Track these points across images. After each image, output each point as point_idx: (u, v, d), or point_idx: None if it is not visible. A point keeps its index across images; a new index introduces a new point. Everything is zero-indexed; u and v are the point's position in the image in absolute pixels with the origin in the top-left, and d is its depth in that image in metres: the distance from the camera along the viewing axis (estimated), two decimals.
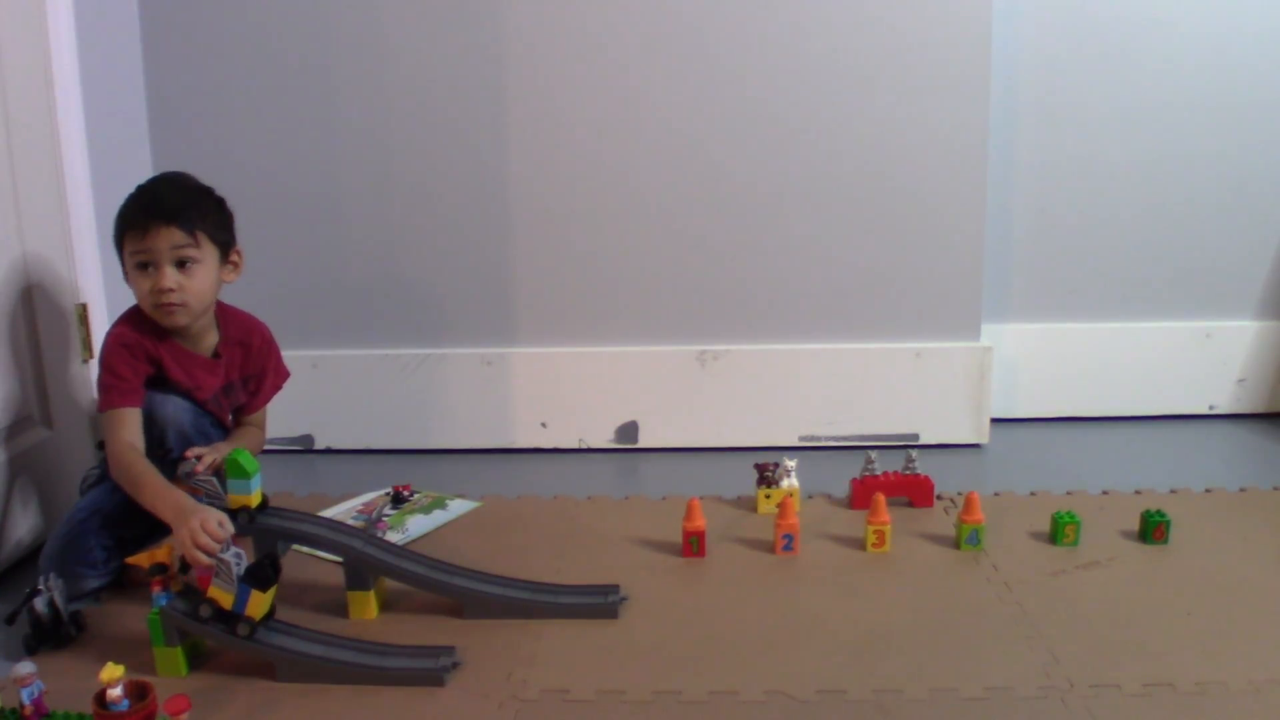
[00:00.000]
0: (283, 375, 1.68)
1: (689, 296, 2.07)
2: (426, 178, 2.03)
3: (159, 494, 1.37)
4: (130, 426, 1.45)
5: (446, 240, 2.05)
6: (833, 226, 2.03)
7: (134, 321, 1.51)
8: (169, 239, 1.44)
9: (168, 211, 1.44)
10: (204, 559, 1.26)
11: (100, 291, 1.79)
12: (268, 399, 1.67)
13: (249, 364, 1.61)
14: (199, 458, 1.46)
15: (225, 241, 1.53)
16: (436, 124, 2.00)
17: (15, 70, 1.60)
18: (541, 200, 2.03)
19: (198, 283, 1.47)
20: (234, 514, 1.37)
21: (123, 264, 1.50)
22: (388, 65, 1.99)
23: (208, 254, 1.49)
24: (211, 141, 2.01)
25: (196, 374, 1.53)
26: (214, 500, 1.38)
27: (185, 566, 1.33)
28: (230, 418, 1.63)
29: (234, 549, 1.30)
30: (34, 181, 1.64)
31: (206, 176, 1.58)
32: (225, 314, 1.59)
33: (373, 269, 2.07)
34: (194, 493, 1.39)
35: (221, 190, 1.68)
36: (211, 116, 2.01)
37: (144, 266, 1.46)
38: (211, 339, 1.57)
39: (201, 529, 1.28)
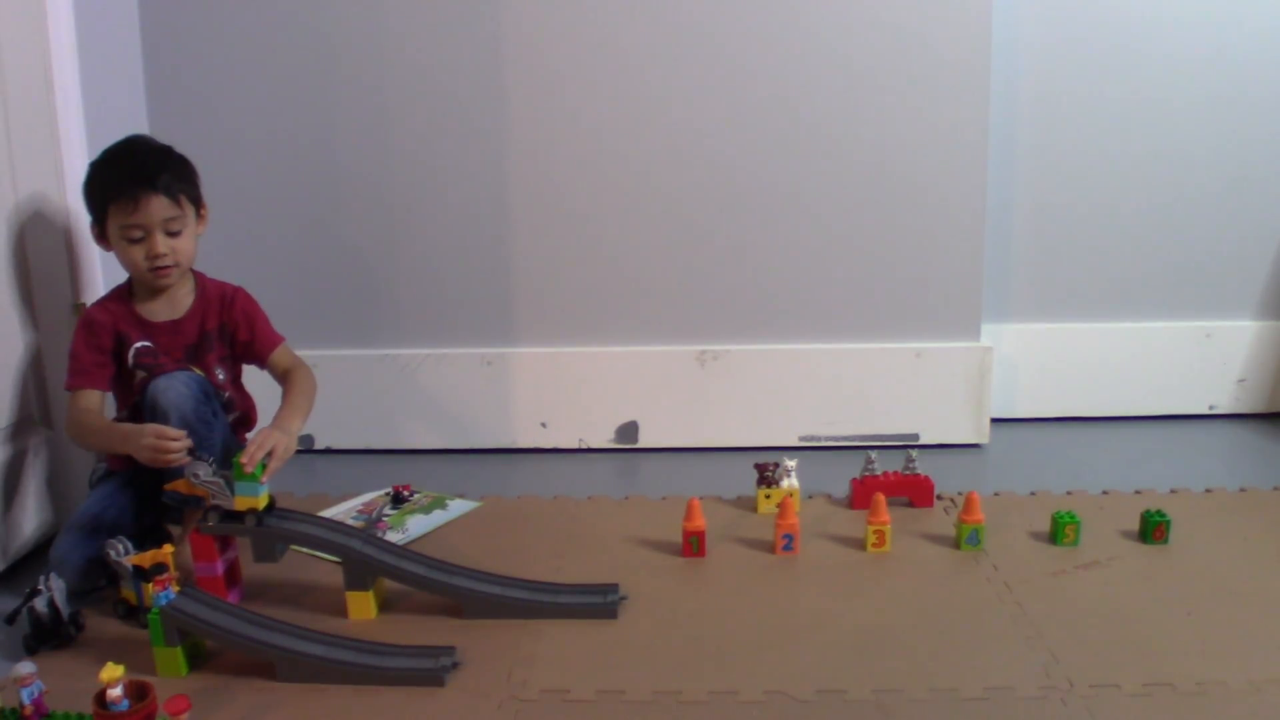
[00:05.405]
0: (276, 335, 1.66)
1: (689, 296, 2.07)
2: (426, 177, 2.02)
3: (108, 433, 1.48)
4: (85, 401, 1.53)
5: (446, 240, 2.05)
6: (833, 226, 2.03)
7: (105, 300, 1.59)
8: (160, 211, 1.51)
9: (154, 182, 1.50)
10: (175, 459, 1.40)
11: (100, 290, 1.78)
12: (269, 333, 1.65)
13: (225, 313, 1.62)
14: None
15: (198, 199, 1.60)
16: (437, 123, 2.00)
17: (15, 70, 1.60)
18: (541, 200, 2.03)
19: (185, 243, 1.55)
20: (240, 516, 1.39)
21: (102, 228, 1.54)
22: (388, 65, 1.99)
23: (189, 216, 1.56)
24: (211, 141, 2.00)
25: (160, 339, 1.57)
26: (220, 502, 1.39)
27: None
28: (223, 376, 1.62)
29: (206, 469, 1.40)
30: (34, 181, 1.64)
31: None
32: (203, 278, 1.64)
33: (373, 269, 2.07)
34: (200, 495, 1.40)
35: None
36: (211, 116, 2.01)
37: (137, 238, 1.51)
38: (188, 298, 1.61)
39: (155, 437, 1.40)
